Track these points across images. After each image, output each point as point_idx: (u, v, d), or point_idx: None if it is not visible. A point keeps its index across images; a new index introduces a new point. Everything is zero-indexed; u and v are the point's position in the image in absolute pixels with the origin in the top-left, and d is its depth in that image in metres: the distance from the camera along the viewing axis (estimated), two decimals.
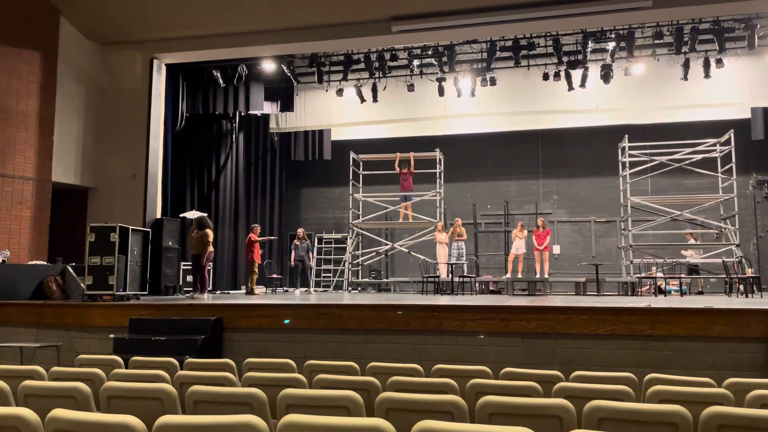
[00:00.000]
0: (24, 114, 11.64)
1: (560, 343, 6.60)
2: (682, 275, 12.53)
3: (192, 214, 12.25)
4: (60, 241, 12.18)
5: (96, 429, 2.56)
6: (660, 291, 11.91)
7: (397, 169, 14.75)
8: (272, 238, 14.82)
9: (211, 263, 10.86)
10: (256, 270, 12.28)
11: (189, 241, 11.07)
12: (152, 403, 3.40)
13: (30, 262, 10.89)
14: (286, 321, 7.32)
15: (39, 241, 11.69)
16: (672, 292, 12.37)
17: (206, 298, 9.92)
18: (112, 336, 7.58)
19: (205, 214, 11.71)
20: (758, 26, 12.32)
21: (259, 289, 13.11)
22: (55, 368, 4.35)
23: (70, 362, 6.02)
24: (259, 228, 12.70)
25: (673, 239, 14.23)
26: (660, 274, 12.06)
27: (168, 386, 3.52)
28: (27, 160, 11.64)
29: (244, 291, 13.01)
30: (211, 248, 10.61)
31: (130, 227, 9.60)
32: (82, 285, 9.35)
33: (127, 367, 4.84)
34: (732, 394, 3.44)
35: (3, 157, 11.34)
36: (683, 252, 13.53)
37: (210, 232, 10.56)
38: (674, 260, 12.74)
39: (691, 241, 13.76)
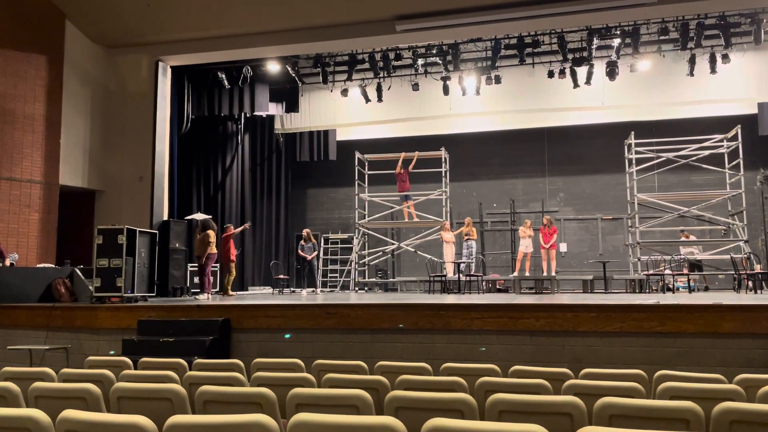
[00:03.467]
0: (31, 117, 11.69)
1: (569, 341, 6.58)
2: (688, 272, 12.49)
3: (198, 216, 12.21)
4: (68, 243, 12.22)
5: (107, 429, 2.56)
6: (668, 288, 11.86)
7: (397, 170, 14.70)
8: (245, 226, 13.12)
9: (215, 265, 10.79)
10: (233, 270, 11.97)
11: (195, 243, 11.08)
12: (162, 403, 3.41)
13: (38, 265, 10.94)
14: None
15: (47, 244, 11.74)
16: (680, 288, 12.32)
17: (207, 299, 9.90)
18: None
19: (210, 217, 11.66)
20: (764, 21, 12.25)
21: (257, 290, 13.02)
22: (65, 370, 4.37)
23: (80, 364, 6.05)
24: (232, 227, 12.44)
25: (680, 236, 14.16)
26: (669, 271, 12.00)
27: (177, 387, 3.53)
28: (34, 163, 11.69)
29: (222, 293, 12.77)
30: (213, 250, 10.59)
31: (137, 229, 9.63)
32: (91, 287, 9.39)
33: (136, 369, 4.85)
34: (743, 390, 3.42)
35: (11, 160, 11.39)
36: (681, 249, 13.48)
37: (212, 233, 10.53)
38: (681, 257, 12.68)
39: (683, 239, 13.71)
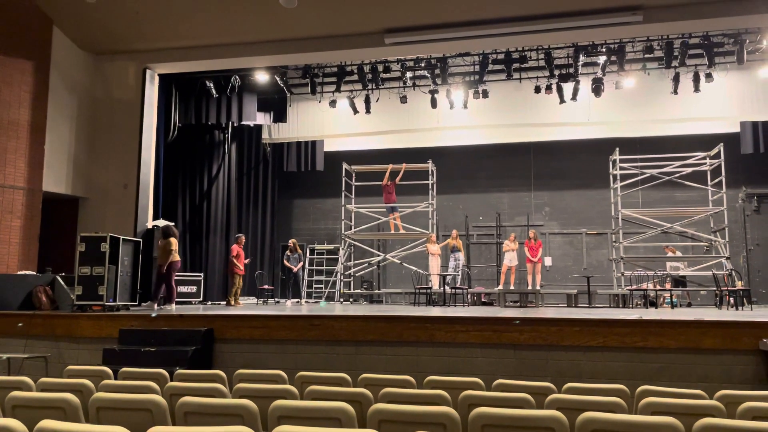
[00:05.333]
0: (16, 123, 11.59)
1: (552, 355, 6.60)
2: (671, 287, 12.59)
3: (159, 223, 11.97)
4: (50, 250, 12.08)
5: None
6: (652, 302, 11.95)
7: (384, 182, 14.77)
8: (247, 261, 13.24)
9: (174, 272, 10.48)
10: (238, 281, 12.16)
11: (156, 250, 10.86)
12: (142, 414, 3.37)
13: (19, 272, 10.79)
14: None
15: (29, 251, 11.60)
16: (665, 303, 12.42)
17: (172, 310, 9.74)
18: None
19: (172, 223, 11.47)
20: (747, 41, 12.47)
21: (248, 300, 13.03)
22: (44, 379, 4.30)
23: (59, 373, 5.96)
24: (243, 237, 12.63)
25: (664, 252, 14.30)
26: (658, 286, 12.08)
27: (158, 397, 3.49)
28: (18, 169, 11.57)
29: (225, 303, 12.89)
30: (176, 257, 10.33)
31: (121, 237, 9.54)
32: (72, 295, 9.27)
33: (116, 379, 4.80)
34: (724, 406, 3.45)
35: None
36: (669, 264, 13.60)
37: (174, 241, 10.30)
38: (665, 273, 12.79)
39: (669, 254, 13.85)
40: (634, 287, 12.18)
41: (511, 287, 13.72)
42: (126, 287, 9.66)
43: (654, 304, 11.98)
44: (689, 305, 13.09)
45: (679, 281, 13.43)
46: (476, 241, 16.68)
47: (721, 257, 13.10)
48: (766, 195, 15.12)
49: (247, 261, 12.76)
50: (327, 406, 3.18)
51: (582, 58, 13.11)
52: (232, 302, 11.95)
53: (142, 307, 10.11)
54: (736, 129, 14.61)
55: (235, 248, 12.24)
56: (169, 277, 10.22)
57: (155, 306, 10.08)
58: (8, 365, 7.64)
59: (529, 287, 13.48)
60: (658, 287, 11.98)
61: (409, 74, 14.22)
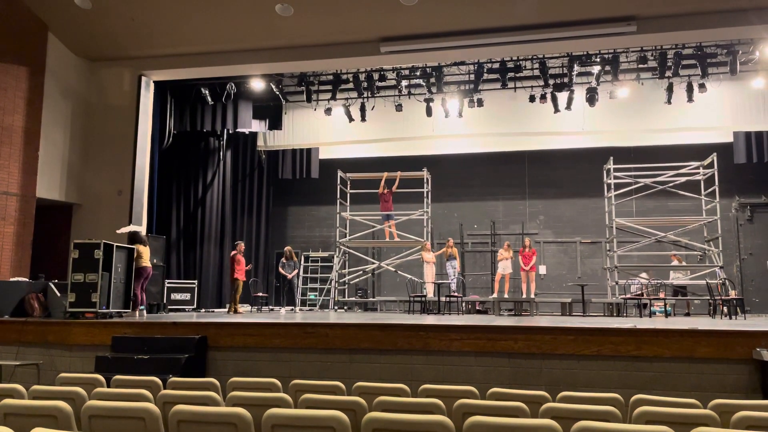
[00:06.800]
0: (9, 129, 11.55)
1: (546, 364, 6.60)
2: (667, 296, 12.61)
3: (127, 229, 11.86)
4: (43, 257, 12.02)
5: None
6: (644, 306, 11.95)
7: (381, 190, 14.78)
8: (248, 267, 13.37)
9: (144, 279, 10.35)
10: (240, 288, 12.20)
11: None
12: (135, 422, 3.35)
13: (12, 279, 10.72)
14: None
15: (21, 258, 11.54)
16: (657, 312, 12.44)
17: (136, 316, 9.64)
18: None
19: (139, 230, 11.37)
20: (740, 52, 12.57)
21: (243, 308, 12.99)
22: (36, 387, 4.27)
23: (51, 381, 5.92)
24: (242, 244, 12.64)
25: (658, 260, 14.35)
26: (652, 294, 12.10)
27: (151, 406, 3.47)
28: (11, 175, 11.52)
29: (226, 310, 12.90)
30: (144, 263, 10.20)
31: (115, 244, 9.49)
32: (65, 302, 9.22)
33: (109, 386, 4.77)
34: (718, 416, 3.45)
35: None
36: (672, 272, 13.63)
37: (139, 247, 10.18)
38: (660, 281, 12.83)
39: (675, 263, 13.88)
40: (628, 296, 12.20)
41: (506, 295, 13.72)
42: (119, 294, 9.61)
43: (647, 308, 11.96)
44: (687, 315, 13.10)
45: (678, 290, 13.46)
46: (471, 249, 16.69)
47: (714, 266, 13.15)
48: (758, 204, 15.21)
49: (248, 267, 12.79)
50: (321, 415, 3.17)
51: (576, 68, 13.20)
52: (240, 310, 12.02)
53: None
54: (729, 139, 14.71)
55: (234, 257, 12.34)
56: (134, 283, 10.07)
57: (135, 314, 10.01)
58: (0, 372, 7.58)
59: (524, 295, 13.48)
60: (652, 296, 11.99)
61: (404, 82, 14.27)
